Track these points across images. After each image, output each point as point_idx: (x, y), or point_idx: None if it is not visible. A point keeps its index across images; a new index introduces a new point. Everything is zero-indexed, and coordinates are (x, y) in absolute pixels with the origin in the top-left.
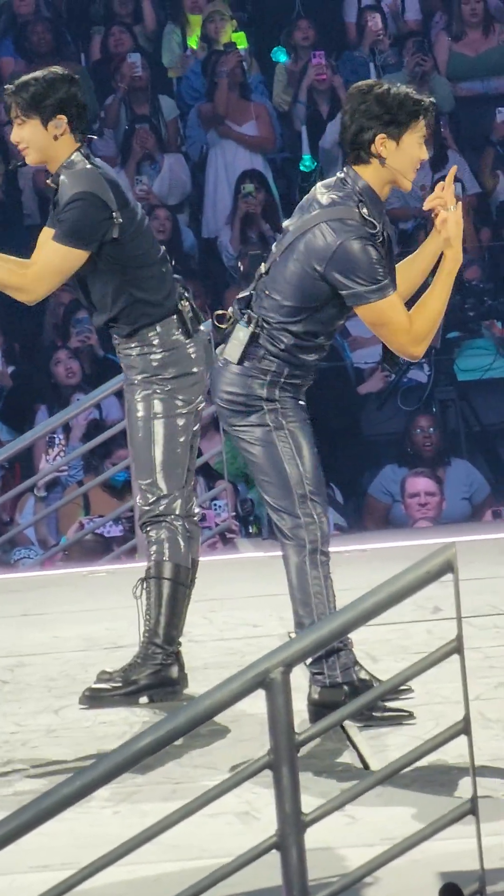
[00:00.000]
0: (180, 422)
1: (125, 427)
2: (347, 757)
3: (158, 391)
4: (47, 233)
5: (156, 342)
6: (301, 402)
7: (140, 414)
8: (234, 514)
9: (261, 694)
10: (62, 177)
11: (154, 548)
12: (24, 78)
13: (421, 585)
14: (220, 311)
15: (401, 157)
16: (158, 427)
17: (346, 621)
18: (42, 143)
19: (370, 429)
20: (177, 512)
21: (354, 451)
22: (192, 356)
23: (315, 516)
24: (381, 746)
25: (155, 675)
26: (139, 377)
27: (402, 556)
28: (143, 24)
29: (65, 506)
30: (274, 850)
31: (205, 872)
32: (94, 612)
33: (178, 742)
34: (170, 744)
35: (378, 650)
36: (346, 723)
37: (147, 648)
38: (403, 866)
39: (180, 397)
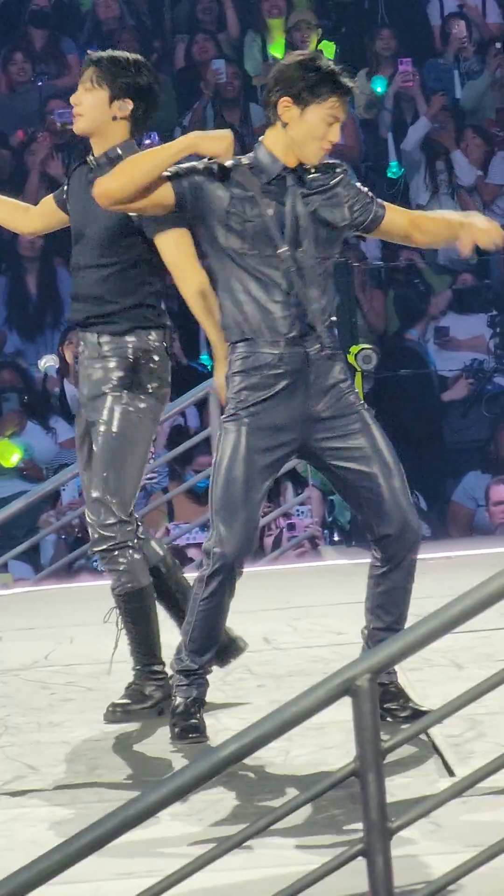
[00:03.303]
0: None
1: (209, 434)
2: (432, 764)
3: (143, 407)
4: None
5: (155, 347)
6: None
7: (118, 429)
8: (318, 520)
9: (346, 701)
10: (120, 152)
11: (119, 580)
12: (114, 52)
13: None
14: None
15: (303, 126)
16: (142, 446)
17: (432, 629)
18: (100, 117)
19: (453, 436)
20: (138, 534)
21: (438, 459)
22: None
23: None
24: (465, 753)
25: (163, 689)
26: (128, 389)
27: (486, 563)
28: (226, 31)
29: (149, 512)
30: (360, 858)
31: (290, 880)
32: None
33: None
34: (256, 751)
35: (462, 658)
36: (431, 730)
37: (147, 670)
38: (488, 873)
39: (158, 416)
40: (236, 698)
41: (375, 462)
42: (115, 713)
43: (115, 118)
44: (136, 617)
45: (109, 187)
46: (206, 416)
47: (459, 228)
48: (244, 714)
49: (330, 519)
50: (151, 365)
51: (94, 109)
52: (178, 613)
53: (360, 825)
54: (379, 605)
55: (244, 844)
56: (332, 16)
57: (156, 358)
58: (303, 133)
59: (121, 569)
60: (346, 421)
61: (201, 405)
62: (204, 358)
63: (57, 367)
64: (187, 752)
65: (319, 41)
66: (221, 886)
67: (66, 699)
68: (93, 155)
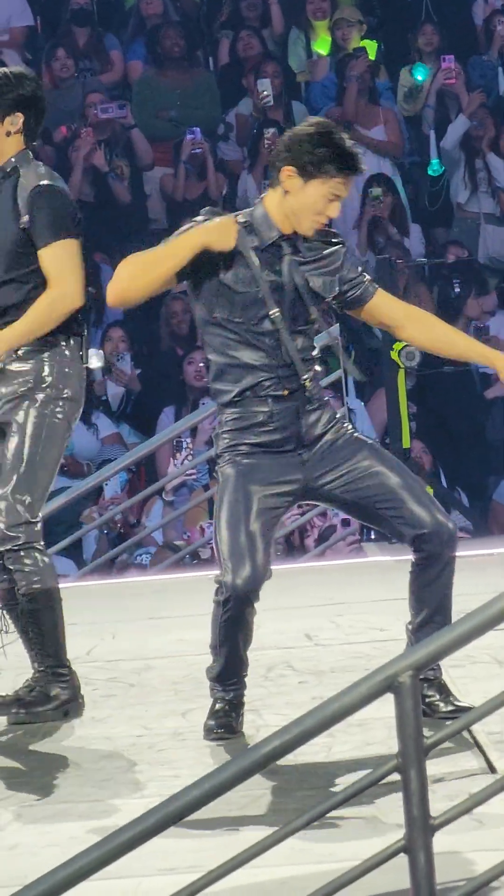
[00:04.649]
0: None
1: None
2: (474, 760)
3: (59, 412)
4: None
5: (67, 355)
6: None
7: (33, 431)
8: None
9: (388, 698)
10: (22, 169)
11: (27, 579)
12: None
13: None
14: None
15: (302, 198)
16: (53, 451)
17: (474, 626)
18: None
19: (496, 433)
20: (41, 538)
21: (480, 456)
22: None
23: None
24: None
25: (69, 690)
26: (45, 391)
27: None
28: (270, 27)
29: (189, 510)
30: (402, 854)
31: (332, 876)
32: None
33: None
34: (298, 747)
35: None
36: (473, 727)
37: (52, 671)
38: None
39: (71, 423)
40: (278, 694)
41: (383, 473)
42: (19, 714)
43: (8, 133)
44: (43, 618)
45: (127, 295)
46: None
47: (491, 359)
48: (286, 710)
49: None
50: (67, 370)
51: None
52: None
53: (401, 822)
54: (420, 600)
55: (285, 840)
56: (377, 12)
57: (68, 369)
58: (301, 204)
59: (26, 569)
60: (342, 451)
61: None
62: None
63: (101, 363)
64: (229, 749)
65: (363, 38)
66: (263, 882)
67: (108, 695)
68: None
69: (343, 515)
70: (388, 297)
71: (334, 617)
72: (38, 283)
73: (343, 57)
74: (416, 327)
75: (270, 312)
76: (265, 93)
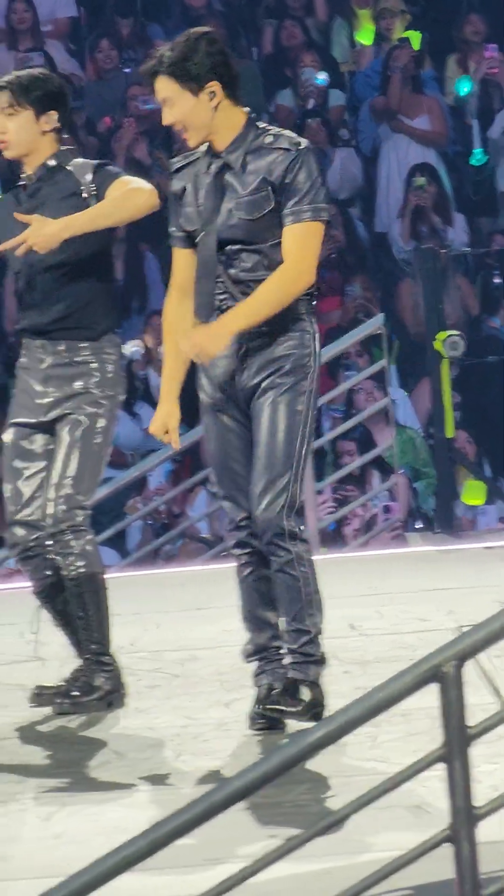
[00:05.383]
0: None
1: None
2: None
3: (111, 403)
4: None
5: (117, 346)
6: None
7: (101, 428)
8: (404, 507)
9: (433, 687)
10: (69, 166)
11: (77, 561)
12: (16, 73)
13: None
14: None
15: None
16: (105, 441)
17: None
18: (31, 137)
19: None
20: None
21: None
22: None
23: None
24: None
25: (112, 680)
26: (104, 388)
27: None
28: (314, 16)
29: None
30: (446, 844)
31: (376, 866)
32: None
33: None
34: (343, 737)
35: None
36: None
37: (96, 659)
38: None
39: (117, 412)
40: (322, 684)
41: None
42: (63, 705)
43: (44, 132)
44: (88, 602)
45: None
46: None
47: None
48: (330, 700)
49: (414, 506)
50: (118, 362)
51: (23, 131)
52: (66, 623)
53: (445, 811)
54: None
55: (330, 830)
56: (420, 2)
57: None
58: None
59: (74, 553)
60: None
61: None
62: None
63: (142, 352)
64: (273, 739)
65: (406, 28)
66: (307, 872)
67: (153, 685)
68: (26, 173)
69: (385, 503)
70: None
71: (378, 607)
72: (85, 276)
73: (387, 46)
74: None
75: None
76: (309, 80)
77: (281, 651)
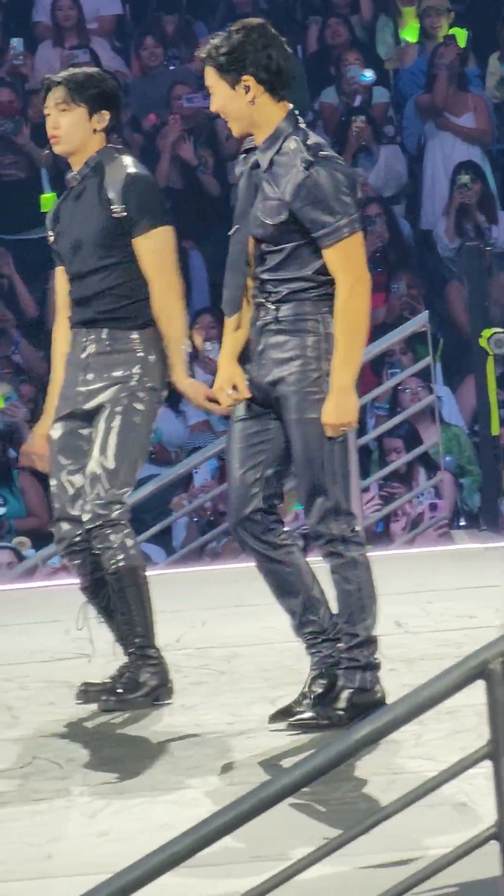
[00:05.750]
0: None
1: None
2: None
3: (149, 396)
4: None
5: (155, 340)
6: None
7: (140, 419)
8: (450, 504)
9: (479, 685)
10: (107, 165)
11: (116, 556)
12: (73, 70)
13: None
14: None
15: None
16: (144, 434)
17: None
18: (82, 134)
19: None
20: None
21: None
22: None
23: None
24: None
25: (158, 675)
26: (150, 383)
27: None
28: (359, 14)
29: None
30: (492, 842)
31: (421, 864)
32: None
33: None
34: (388, 734)
35: None
36: None
37: (141, 653)
38: None
39: (158, 407)
40: (375, 687)
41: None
42: (109, 702)
43: (94, 130)
44: (130, 596)
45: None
46: None
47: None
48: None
49: (460, 503)
50: (157, 355)
51: (75, 128)
52: (111, 618)
53: (492, 809)
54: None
55: (375, 829)
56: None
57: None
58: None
59: (114, 547)
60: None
61: None
62: None
63: (189, 350)
64: (319, 737)
65: (451, 25)
66: (352, 870)
67: (198, 682)
68: (72, 171)
69: (431, 500)
70: None
71: (424, 604)
72: (126, 271)
73: (432, 44)
74: None
75: None
76: (355, 77)
77: (319, 637)
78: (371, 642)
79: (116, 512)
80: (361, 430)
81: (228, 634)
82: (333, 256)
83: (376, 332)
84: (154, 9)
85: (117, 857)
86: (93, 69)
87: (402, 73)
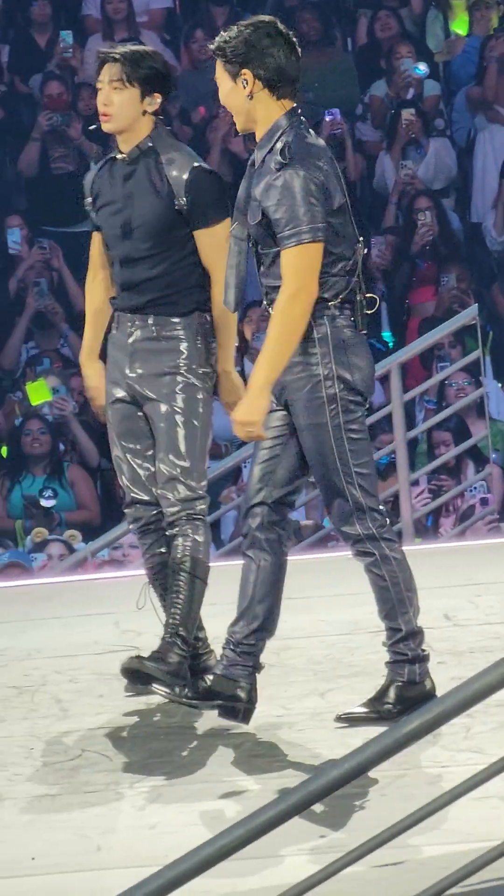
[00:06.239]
0: None
1: (390, 411)
2: None
3: (208, 386)
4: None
5: (209, 329)
6: None
7: (198, 407)
8: (496, 497)
9: None
10: (161, 149)
11: (190, 546)
12: (132, 47)
13: None
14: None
15: None
16: (208, 425)
17: None
18: (133, 114)
19: None
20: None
21: None
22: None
23: None
24: None
25: (182, 663)
26: (201, 369)
27: None
28: (409, 7)
29: None
30: None
31: (472, 856)
32: (358, 596)
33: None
34: (438, 728)
35: None
36: None
37: (174, 637)
38: None
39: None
40: (425, 679)
41: None
42: (132, 660)
43: (144, 113)
44: (189, 585)
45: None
46: (388, 392)
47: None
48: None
49: None
50: (211, 344)
51: (126, 108)
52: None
53: None
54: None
55: (425, 821)
56: None
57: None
58: None
59: (189, 536)
60: None
61: (382, 381)
62: (386, 335)
63: (237, 344)
64: (368, 729)
65: (501, 18)
66: (403, 862)
67: None
68: (121, 151)
69: (482, 495)
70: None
71: (473, 597)
72: (176, 259)
73: (484, 37)
74: None
75: None
76: (407, 70)
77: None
78: (415, 634)
79: (200, 506)
80: (410, 422)
81: (279, 627)
82: (287, 259)
83: (426, 325)
84: (204, 1)
85: (167, 849)
86: (150, 49)
87: (452, 66)
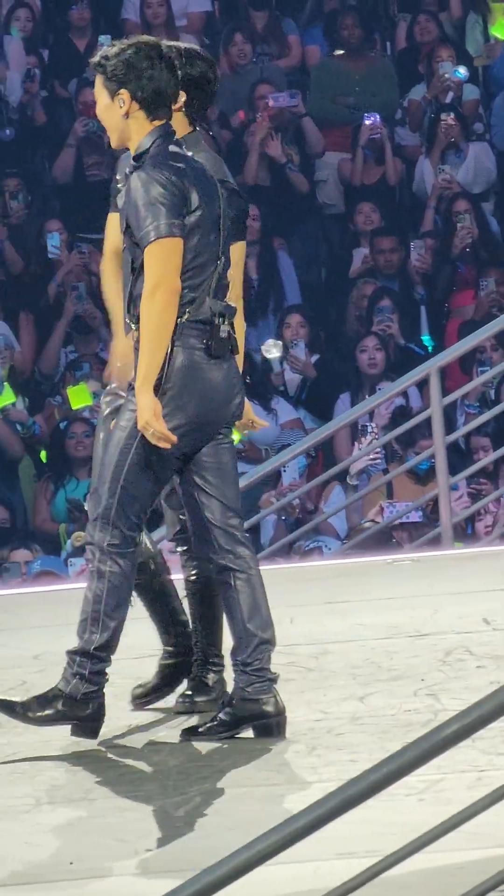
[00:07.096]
0: None
1: (429, 416)
2: None
3: None
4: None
5: None
6: None
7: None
8: None
9: None
10: (193, 154)
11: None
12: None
13: None
14: None
15: None
16: None
17: None
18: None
19: None
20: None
21: None
22: None
23: None
24: None
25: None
26: None
27: None
28: (448, 11)
29: (369, 494)
30: None
31: None
32: (397, 600)
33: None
34: (477, 731)
35: None
36: None
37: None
38: None
39: None
40: (456, 679)
41: None
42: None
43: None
44: (216, 602)
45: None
46: (427, 396)
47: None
48: (464, 695)
49: None
50: None
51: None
52: (156, 613)
53: None
54: None
55: (462, 826)
56: None
57: None
58: None
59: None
60: None
61: (422, 385)
62: (425, 338)
63: (280, 353)
64: (408, 733)
65: None
66: (440, 867)
67: (287, 679)
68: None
69: None
70: None
71: None
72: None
73: None
74: None
75: None
76: (447, 74)
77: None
78: (90, 656)
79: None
80: (450, 426)
81: (317, 631)
82: (145, 259)
83: (465, 329)
84: (243, 5)
85: (205, 853)
86: (187, 47)
87: (492, 70)
